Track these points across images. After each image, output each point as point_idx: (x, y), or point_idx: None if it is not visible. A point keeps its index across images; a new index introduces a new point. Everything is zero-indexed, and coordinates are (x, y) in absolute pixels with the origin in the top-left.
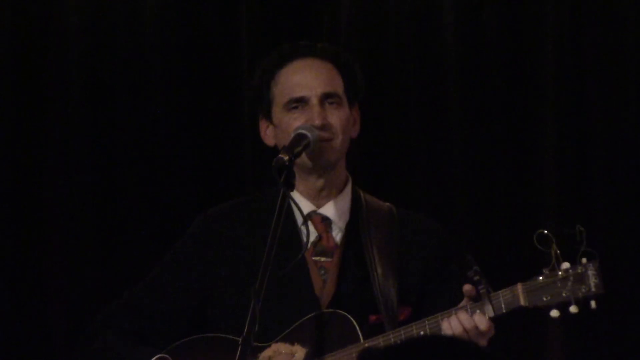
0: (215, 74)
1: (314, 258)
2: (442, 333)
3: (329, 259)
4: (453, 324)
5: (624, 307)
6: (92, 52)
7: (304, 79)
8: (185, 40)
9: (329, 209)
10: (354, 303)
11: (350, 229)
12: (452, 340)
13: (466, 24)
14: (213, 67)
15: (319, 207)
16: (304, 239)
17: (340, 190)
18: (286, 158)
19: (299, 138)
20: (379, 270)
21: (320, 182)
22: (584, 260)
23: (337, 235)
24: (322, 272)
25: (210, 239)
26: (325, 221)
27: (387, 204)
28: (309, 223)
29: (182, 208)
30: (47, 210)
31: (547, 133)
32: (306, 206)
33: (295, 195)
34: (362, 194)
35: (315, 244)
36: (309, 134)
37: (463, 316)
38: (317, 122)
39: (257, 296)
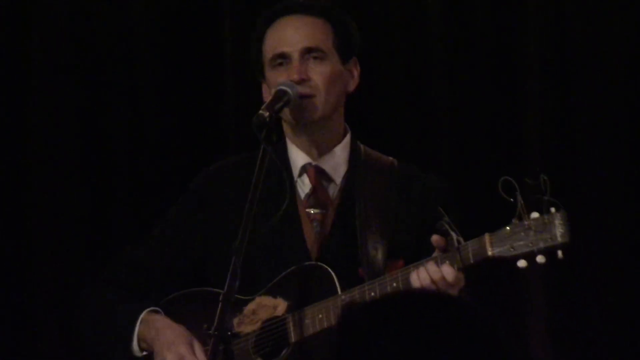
0: (197, 37)
1: (307, 210)
2: (411, 284)
3: (323, 211)
4: (421, 275)
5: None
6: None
7: (285, 35)
8: (166, 5)
9: (324, 162)
10: (342, 256)
11: (347, 183)
12: (426, 293)
13: (452, 15)
14: (194, 30)
15: (314, 159)
16: (299, 191)
17: (336, 144)
18: (266, 114)
19: (280, 94)
20: (369, 226)
21: (312, 137)
22: (552, 209)
23: (332, 187)
24: (315, 224)
25: (211, 195)
26: (320, 173)
27: (390, 158)
28: (305, 175)
29: (167, 175)
30: (28, 192)
31: (530, 100)
32: (302, 158)
33: (293, 148)
34: (362, 148)
35: (308, 196)
36: (289, 90)
37: (431, 267)
38: (296, 77)
39: (237, 252)
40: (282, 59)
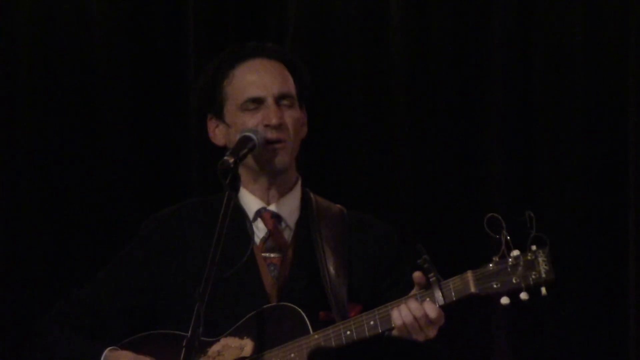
0: (162, 76)
1: (263, 254)
2: (392, 322)
3: (279, 255)
4: (403, 312)
5: (572, 295)
6: (40, 52)
7: (260, 78)
8: (131, 42)
9: (279, 207)
10: (304, 299)
11: (301, 227)
12: (397, 340)
13: (413, 26)
14: (159, 68)
15: (268, 204)
16: (253, 235)
17: (290, 190)
18: (231, 161)
19: (245, 141)
20: (330, 268)
21: (271, 183)
22: (533, 247)
23: (287, 232)
24: (272, 268)
25: (161, 240)
26: (275, 218)
27: (338, 205)
28: (259, 220)
29: (129, 211)
30: None
31: (493, 121)
32: (256, 203)
33: (245, 193)
34: (311, 195)
35: (265, 240)
36: (254, 137)
37: (413, 305)
38: (274, 121)
39: (201, 299)
40: (255, 102)
